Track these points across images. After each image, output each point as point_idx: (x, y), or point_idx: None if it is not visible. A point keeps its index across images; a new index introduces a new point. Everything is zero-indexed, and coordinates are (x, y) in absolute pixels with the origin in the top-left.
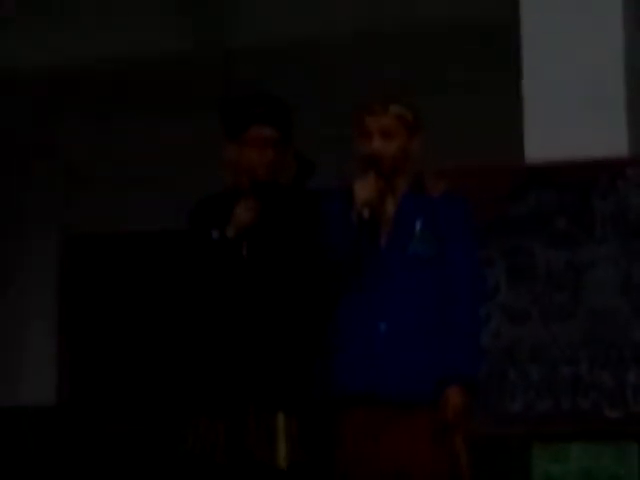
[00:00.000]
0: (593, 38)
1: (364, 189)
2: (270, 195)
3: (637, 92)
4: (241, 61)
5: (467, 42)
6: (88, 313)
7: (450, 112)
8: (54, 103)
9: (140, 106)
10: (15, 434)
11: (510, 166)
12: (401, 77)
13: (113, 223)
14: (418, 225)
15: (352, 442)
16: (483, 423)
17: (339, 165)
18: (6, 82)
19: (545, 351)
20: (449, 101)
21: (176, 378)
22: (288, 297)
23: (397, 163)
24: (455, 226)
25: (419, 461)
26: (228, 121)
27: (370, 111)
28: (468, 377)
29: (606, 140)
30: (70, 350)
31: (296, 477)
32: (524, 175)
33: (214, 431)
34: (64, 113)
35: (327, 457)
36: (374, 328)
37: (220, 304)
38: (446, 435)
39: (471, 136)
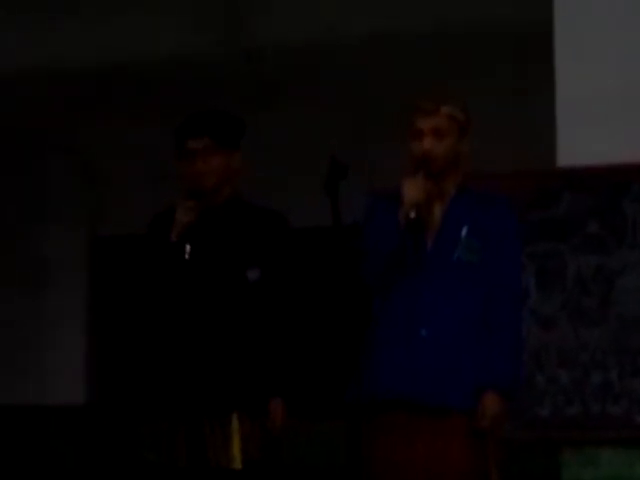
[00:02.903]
0: (627, 40)
1: (412, 189)
2: (208, 198)
3: None
4: (261, 61)
5: (500, 44)
6: (117, 313)
7: (482, 115)
8: (76, 103)
9: (160, 104)
10: (44, 433)
11: (541, 170)
12: (425, 78)
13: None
14: (464, 231)
15: (386, 446)
16: (512, 428)
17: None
18: (29, 81)
19: (574, 356)
20: (481, 103)
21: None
22: (237, 297)
23: (447, 164)
24: (501, 232)
25: (452, 467)
26: (175, 142)
27: (422, 110)
28: (507, 385)
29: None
30: (99, 350)
31: (251, 476)
32: (555, 179)
33: (175, 437)
34: (86, 112)
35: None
36: (415, 333)
37: (169, 307)
38: (480, 441)
39: (503, 139)
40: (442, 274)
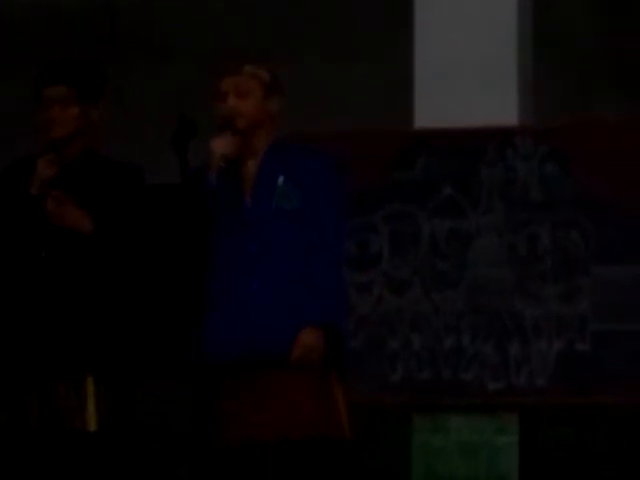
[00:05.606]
0: (485, 7)
1: (219, 144)
2: (63, 150)
3: (528, 60)
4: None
5: (356, 8)
6: None
7: (340, 78)
8: None
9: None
10: None
11: (397, 132)
12: (282, 40)
13: None
14: (280, 180)
15: (230, 406)
16: (363, 392)
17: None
18: None
19: (427, 321)
20: (339, 67)
21: None
22: (96, 256)
23: (254, 121)
24: (318, 179)
25: (301, 417)
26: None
27: (225, 72)
28: (326, 322)
29: (496, 109)
30: None
31: (105, 439)
32: (411, 141)
33: (27, 399)
34: None
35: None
36: (246, 288)
37: (24, 264)
38: (327, 388)
39: (361, 102)
40: (264, 225)
